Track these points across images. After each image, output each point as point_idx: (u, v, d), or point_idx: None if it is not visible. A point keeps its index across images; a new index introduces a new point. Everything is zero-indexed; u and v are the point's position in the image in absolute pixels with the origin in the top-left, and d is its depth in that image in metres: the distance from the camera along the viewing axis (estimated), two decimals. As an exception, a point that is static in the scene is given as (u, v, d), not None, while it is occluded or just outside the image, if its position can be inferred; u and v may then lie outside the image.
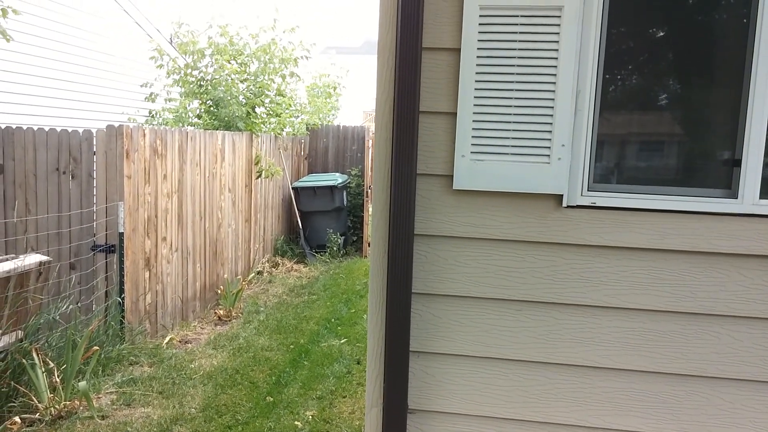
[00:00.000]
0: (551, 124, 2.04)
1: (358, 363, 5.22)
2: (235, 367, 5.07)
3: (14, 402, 4.06)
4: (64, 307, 4.60)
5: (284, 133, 9.85)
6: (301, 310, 6.87)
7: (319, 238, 10.06)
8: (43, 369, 4.13)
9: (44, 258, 4.35)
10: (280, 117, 9.35)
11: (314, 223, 10.07)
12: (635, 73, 2.13)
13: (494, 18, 2.01)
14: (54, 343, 4.53)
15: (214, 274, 7.27)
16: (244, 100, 8.55)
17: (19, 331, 4.26)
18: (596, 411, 2.13)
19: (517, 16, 2.00)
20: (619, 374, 2.11)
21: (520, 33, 2.02)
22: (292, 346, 5.64)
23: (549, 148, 2.05)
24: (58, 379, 4.17)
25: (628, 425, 2.12)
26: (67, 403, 4.13)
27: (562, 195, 2.07)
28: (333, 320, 6.48)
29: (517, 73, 2.04)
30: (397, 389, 2.17)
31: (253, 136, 8.41)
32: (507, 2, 1.99)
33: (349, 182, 10.77)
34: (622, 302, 2.08)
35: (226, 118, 8.27)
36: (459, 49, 2.05)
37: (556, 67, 2.02)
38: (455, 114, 2.08)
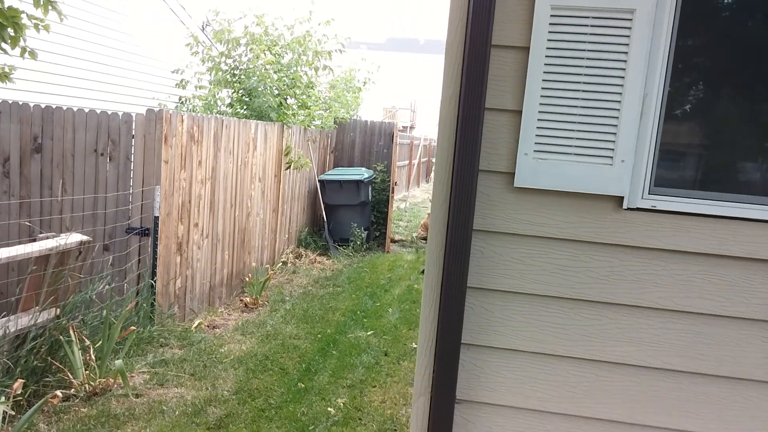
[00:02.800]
0: (616, 126, 2.06)
1: (386, 355, 5.27)
2: (264, 353, 5.13)
3: (50, 377, 4.15)
4: (101, 287, 4.68)
5: (313, 126, 9.91)
6: (327, 301, 6.93)
7: (343, 231, 10.11)
8: (79, 346, 4.22)
9: (85, 238, 4.44)
10: (309, 109, 9.40)
11: (338, 216, 10.13)
12: (703, 78, 2.14)
13: (565, 18, 2.03)
14: (89, 322, 4.62)
15: (240, 262, 7.35)
16: (276, 91, 8.62)
17: (57, 309, 4.35)
18: (643, 409, 2.15)
19: (588, 17, 2.02)
20: (667, 375, 2.13)
21: (591, 34, 2.04)
22: (319, 336, 5.70)
23: (612, 150, 2.07)
24: (93, 357, 4.26)
25: (674, 424, 2.14)
26: (102, 380, 4.22)
27: (623, 197, 2.09)
28: (359, 312, 6.53)
29: (584, 74, 2.06)
30: (446, 379, 2.21)
31: (285, 127, 8.47)
32: (579, 3, 2.01)
33: (374, 177, 10.81)
34: (675, 305, 2.10)
35: (259, 108, 8.34)
36: (528, 48, 2.07)
37: (624, 69, 2.04)
38: (520, 112, 2.11)
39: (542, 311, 2.18)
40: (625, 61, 2.03)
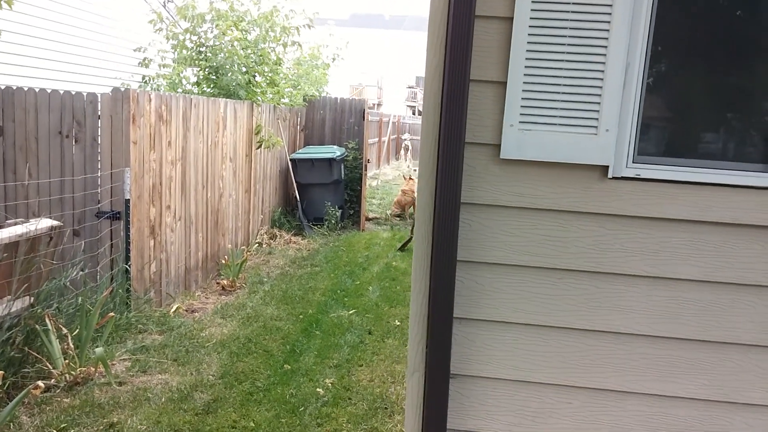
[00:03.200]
0: (600, 95, 2.06)
1: (370, 333, 5.28)
2: (247, 336, 5.10)
3: (28, 368, 4.05)
4: (74, 274, 4.57)
5: (282, 104, 9.76)
6: (305, 281, 6.90)
7: (317, 210, 10.05)
8: (56, 335, 4.12)
9: (56, 223, 4.31)
10: (278, 86, 9.25)
11: (312, 195, 10.05)
12: (684, 47, 2.15)
13: (549, -13, 2.01)
14: (65, 310, 4.51)
15: (215, 245, 7.25)
16: (244, 68, 8.44)
17: (31, 297, 4.23)
18: (634, 376, 2.19)
19: (572, -15, 2.00)
20: (657, 341, 2.17)
21: (574, 3, 2.02)
22: (301, 316, 5.68)
23: (597, 119, 2.07)
24: (71, 346, 4.17)
25: (665, 390, 2.19)
26: (83, 369, 4.14)
27: (608, 166, 2.10)
28: (339, 291, 6.52)
29: (568, 44, 2.05)
30: (440, 354, 2.21)
31: (254, 105, 8.32)
32: (563, -29, 1.99)
33: (346, 155, 10.73)
34: (662, 272, 2.13)
35: (227, 86, 8.16)
36: (512, 18, 2.04)
37: (607, 39, 2.03)
38: (505, 83, 2.09)
39: (531, 283, 2.19)
40: (608, 30, 2.02)
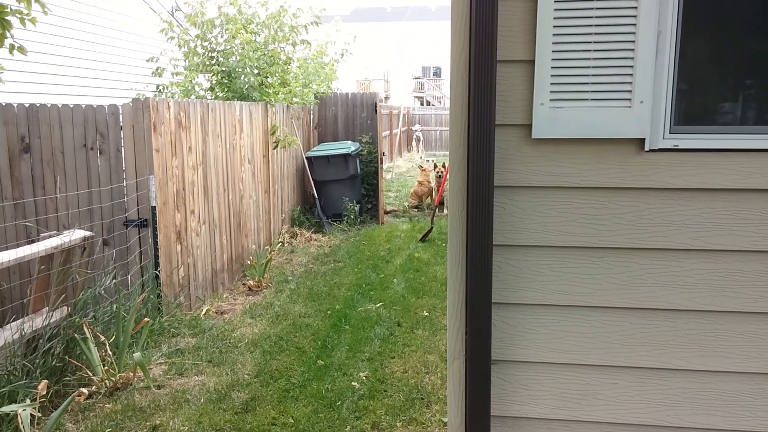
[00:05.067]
0: (632, 67, 2.02)
1: (399, 325, 5.27)
2: (277, 334, 5.12)
3: (69, 376, 4.11)
4: (108, 282, 4.61)
5: (294, 103, 9.76)
6: (330, 277, 6.91)
7: (335, 207, 10.05)
8: (94, 342, 4.17)
9: (88, 234, 4.36)
10: (290, 86, 9.25)
11: (329, 192, 10.06)
12: (718, 9, 2.09)
13: (573, -40, 1.97)
14: (101, 318, 4.56)
15: (239, 246, 7.29)
16: (257, 70, 8.45)
17: (68, 307, 4.29)
18: (681, 353, 2.15)
19: (598, -44, 1.96)
20: (703, 316, 2.12)
21: (600, -26, 1.98)
22: (329, 312, 5.69)
23: (630, 91, 2.03)
24: (109, 352, 4.22)
25: (713, 365, 2.14)
26: (122, 374, 4.19)
27: (644, 139, 2.06)
28: (364, 285, 6.52)
29: (596, 16, 2.01)
30: (480, 341, 2.19)
31: (268, 106, 8.34)
32: (587, -57, 1.95)
33: (361, 150, 10.71)
34: (705, 244, 2.08)
35: (240, 89, 8.18)
36: (536, -6, 2.01)
37: (636, 8, 1.99)
38: (533, 62, 2.05)
39: (570, 263, 2.16)
40: (637, -1, 1.98)
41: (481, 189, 2.10)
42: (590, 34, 2.02)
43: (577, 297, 2.17)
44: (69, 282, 4.26)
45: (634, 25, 2.00)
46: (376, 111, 11.04)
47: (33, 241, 4.33)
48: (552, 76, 2.06)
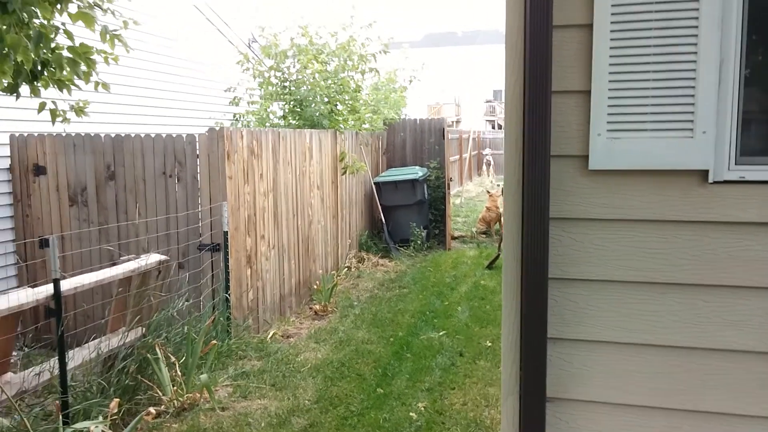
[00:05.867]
0: (693, 96, 1.95)
1: (461, 355, 5.21)
2: (340, 360, 5.17)
3: (140, 395, 4.30)
4: (180, 304, 4.82)
5: (363, 129, 9.95)
6: (394, 303, 6.93)
7: (402, 232, 10.09)
8: (165, 363, 4.35)
9: (163, 257, 4.58)
10: (359, 113, 9.44)
11: (397, 217, 10.12)
12: (787, 36, 2.00)
13: (629, -11, 1.94)
14: (172, 339, 4.76)
15: (306, 270, 7.44)
16: (326, 98, 8.69)
17: (143, 328, 4.51)
18: (751, 398, 2.02)
19: (655, -15, 1.92)
20: (776, 358, 1.99)
21: (657, 2, 1.93)
22: (391, 339, 5.69)
23: (692, 121, 1.96)
24: (179, 373, 4.39)
25: (790, 412, 2.00)
26: (189, 395, 4.34)
27: (707, 170, 1.98)
28: (428, 313, 6.49)
29: (654, 45, 1.96)
30: (534, 377, 2.14)
31: (337, 133, 8.53)
32: (643, -28, 1.92)
33: (428, 175, 10.74)
34: (776, 282, 1.96)
35: (311, 117, 8.43)
36: (591, 25, 1.99)
37: (696, 36, 1.93)
38: (589, 92, 2.02)
39: (630, 299, 2.08)
40: (696, 27, 1.92)
41: (536, 221, 2.07)
42: (648, 63, 1.98)
43: (637, 334, 2.08)
44: (145, 304, 4.48)
45: (695, 53, 1.94)
46: (443, 136, 11.07)
47: (114, 264, 4.60)
48: (609, 106, 2.02)
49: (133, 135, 5.74)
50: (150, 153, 5.69)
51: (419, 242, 9.93)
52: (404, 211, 10.06)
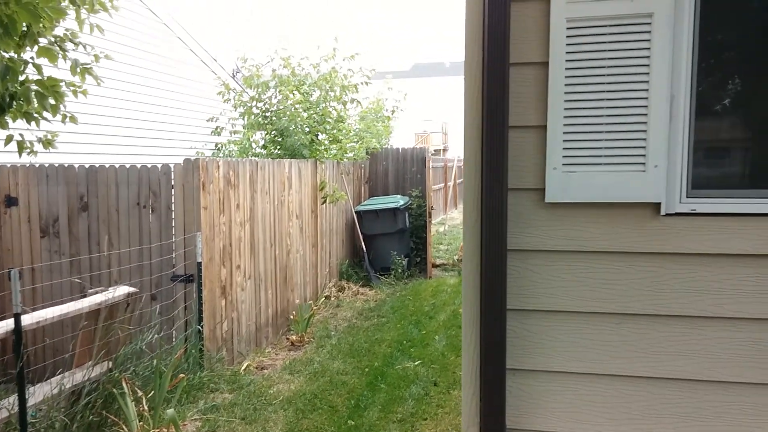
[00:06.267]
0: (646, 131, 2.01)
1: (435, 384, 5.18)
2: (313, 392, 5.11)
3: (106, 431, 4.20)
4: (149, 337, 4.76)
5: (345, 159, 10.01)
6: (372, 333, 6.89)
7: (383, 260, 10.09)
8: (132, 398, 4.27)
9: (132, 289, 4.53)
10: (341, 143, 9.51)
11: (378, 245, 10.12)
12: (732, 73, 2.07)
13: (582, 29, 2.01)
14: (141, 372, 4.68)
15: (284, 300, 7.39)
16: (307, 129, 8.75)
17: (109, 362, 4.43)
18: (705, 427, 2.04)
19: (606, 25, 1.99)
20: (728, 387, 2.02)
21: (610, 42, 2.00)
22: (366, 369, 5.65)
23: (644, 155, 2.01)
24: (146, 407, 4.30)
25: (743, 442, 2.02)
26: (155, 431, 4.25)
27: (660, 203, 2.03)
28: (405, 342, 6.46)
29: (607, 83, 2.02)
30: (494, 408, 2.14)
31: (318, 162, 8.58)
32: (595, 13, 1.99)
33: (410, 204, 10.79)
34: (727, 311, 2.00)
35: (291, 147, 8.48)
36: (547, 63, 2.05)
37: (648, 74, 1.99)
38: (545, 127, 2.07)
39: (588, 329, 2.11)
40: (648, 65, 1.99)
41: (495, 252, 2.10)
42: (602, 99, 2.04)
43: (593, 365, 2.10)
44: (112, 337, 4.42)
45: (647, 90, 2.00)
46: (425, 165, 11.15)
47: (84, 296, 4.53)
48: (564, 140, 2.07)
49: (107, 165, 5.72)
50: (124, 183, 5.67)
51: (400, 270, 9.93)
52: (385, 240, 10.07)
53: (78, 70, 3.64)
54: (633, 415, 2.07)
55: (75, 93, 3.97)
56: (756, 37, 2.03)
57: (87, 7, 3.67)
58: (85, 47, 3.86)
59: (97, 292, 4.44)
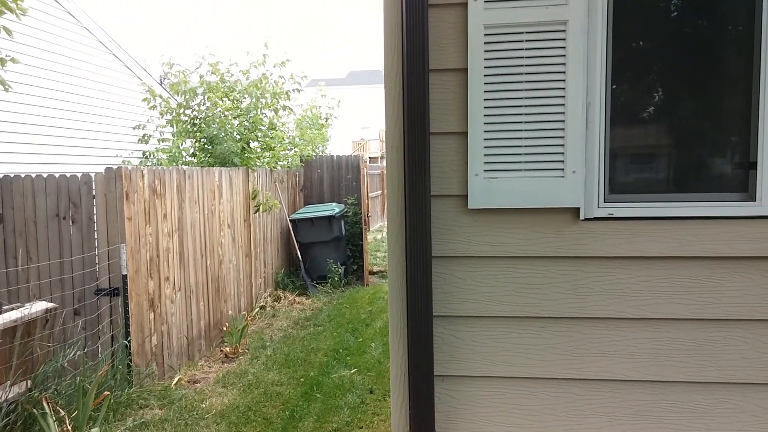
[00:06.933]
0: (563, 137, 2.05)
1: (371, 392, 5.14)
2: (246, 404, 4.97)
3: (25, 454, 3.96)
4: (72, 353, 4.51)
5: (279, 167, 9.86)
6: (308, 342, 6.79)
7: (320, 268, 9.99)
8: (54, 418, 4.04)
9: (50, 305, 4.29)
10: (273, 150, 9.37)
11: (314, 254, 10.02)
12: (644, 81, 2.15)
13: (499, 36, 2.03)
14: (63, 391, 4.43)
15: (218, 312, 7.19)
16: (238, 136, 8.58)
17: (28, 381, 4.18)
18: (627, 425, 2.09)
19: (522, 32, 2.02)
20: (648, 386, 2.08)
21: (527, 49, 2.03)
22: (302, 379, 5.55)
23: (563, 161, 2.05)
24: (69, 428, 4.08)
25: (662, 438, 2.08)
26: (79, 452, 4.04)
27: (578, 208, 2.07)
28: (341, 350, 6.40)
29: (526, 89, 2.05)
30: (423, 415, 2.13)
31: (249, 170, 8.41)
32: (511, 20, 2.01)
33: (346, 211, 10.75)
34: (646, 313, 2.06)
35: (222, 155, 8.28)
36: (466, 69, 2.06)
37: (564, 80, 2.03)
38: (466, 133, 2.09)
39: (512, 333, 2.13)
40: (564, 72, 2.03)
41: (419, 259, 2.09)
42: (521, 106, 2.06)
43: (519, 368, 2.12)
44: (30, 355, 4.16)
45: (563, 97, 2.04)
46: (360, 173, 11.14)
47: (0, 313, 4.26)
48: (485, 147, 2.08)
49: (23, 175, 5.41)
50: (42, 194, 5.38)
51: (337, 278, 9.86)
52: (321, 248, 9.98)
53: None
54: (559, 417, 2.10)
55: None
56: (668, 44, 2.11)
57: (-10, 8, 3.46)
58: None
59: (12, 309, 4.18)
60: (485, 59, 2.05)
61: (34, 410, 4.01)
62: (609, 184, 2.11)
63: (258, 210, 8.54)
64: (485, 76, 2.06)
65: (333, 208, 10.16)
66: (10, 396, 4.03)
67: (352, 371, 5.70)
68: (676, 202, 2.06)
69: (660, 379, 2.06)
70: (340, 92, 18.76)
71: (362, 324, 7.43)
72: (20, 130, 7.78)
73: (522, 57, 2.05)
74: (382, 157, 33.45)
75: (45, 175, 5.40)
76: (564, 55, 2.03)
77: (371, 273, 10.89)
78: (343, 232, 10.31)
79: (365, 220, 10.71)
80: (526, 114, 2.06)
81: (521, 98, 2.06)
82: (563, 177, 2.06)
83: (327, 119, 12.51)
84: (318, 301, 8.90)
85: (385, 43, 2.11)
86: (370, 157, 21.41)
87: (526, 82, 2.05)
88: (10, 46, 6.12)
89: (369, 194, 11.45)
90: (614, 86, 2.09)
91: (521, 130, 2.06)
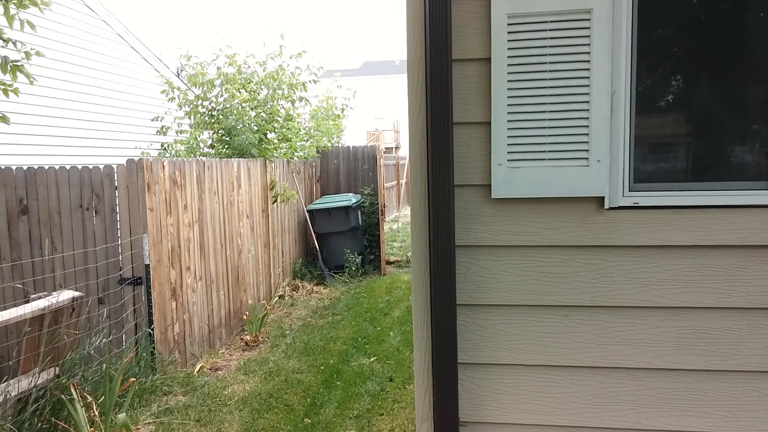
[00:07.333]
0: (587, 126, 2.04)
1: (391, 380, 5.19)
2: (268, 391, 5.05)
3: (54, 439, 4.06)
4: (97, 341, 4.61)
5: (296, 158, 9.91)
6: (327, 331, 6.86)
7: (337, 258, 10.06)
8: (82, 403, 4.13)
9: (77, 294, 4.38)
10: (290, 141, 9.41)
11: (331, 244, 10.08)
12: (671, 69, 2.13)
13: (523, 25, 2.03)
14: (90, 378, 4.54)
15: (237, 301, 7.27)
16: (255, 127, 8.62)
17: (56, 368, 4.28)
18: (651, 413, 2.10)
19: (546, 21, 2.01)
20: (672, 374, 2.08)
21: (551, 38, 2.03)
22: (322, 367, 5.62)
23: (587, 150, 2.05)
24: (96, 413, 4.17)
25: (686, 426, 2.09)
26: (106, 437, 4.13)
27: (603, 197, 2.07)
28: (360, 339, 6.45)
29: (549, 78, 2.05)
30: (447, 402, 2.16)
31: (267, 162, 8.47)
32: (535, 9, 2.01)
33: (362, 202, 10.78)
34: (671, 301, 2.06)
35: (239, 146, 8.34)
36: (489, 59, 2.06)
37: (588, 69, 2.03)
38: (489, 123, 2.09)
39: (536, 322, 2.14)
40: (588, 60, 2.02)
41: (443, 249, 2.10)
42: (545, 95, 2.06)
43: (543, 356, 2.14)
44: (57, 343, 4.26)
45: (588, 85, 2.03)
46: (376, 163, 11.16)
47: (27, 302, 4.35)
48: (509, 136, 2.08)
49: (47, 167, 5.50)
50: (66, 185, 5.47)
51: (354, 268, 9.91)
52: (338, 238, 10.03)
53: (8, 68, 3.46)
54: (581, 404, 2.12)
55: (6, 92, 3.79)
56: (694, 32, 2.10)
57: (15, 2, 3.50)
58: (15, 44, 3.68)
59: (40, 297, 4.27)
60: (509, 48, 2.05)
61: (62, 396, 4.11)
62: (634, 173, 2.10)
63: (276, 200, 8.60)
64: (509, 65, 2.05)
65: (350, 199, 10.20)
66: (39, 382, 4.13)
67: (372, 360, 5.75)
68: (702, 191, 2.05)
69: (685, 368, 2.07)
70: (354, 83, 18.73)
71: (380, 313, 7.47)
72: (43, 123, 7.90)
73: (546, 46, 2.04)
74: (396, 148, 33.46)
75: (68, 167, 5.49)
76: (588, 44, 2.02)
77: (388, 263, 10.93)
78: (360, 222, 10.35)
79: (382, 210, 10.73)
80: (549, 103, 2.06)
81: (545, 87, 2.06)
82: (587, 166, 2.05)
83: (343, 110, 12.51)
84: (336, 291, 8.96)
85: (408, 34, 2.12)
86: (385, 147, 21.41)
87: (549, 71, 2.05)
88: (33, 40, 6.20)
89: (384, 185, 11.47)
90: (639, 74, 2.08)
91: (545, 119, 2.06)
